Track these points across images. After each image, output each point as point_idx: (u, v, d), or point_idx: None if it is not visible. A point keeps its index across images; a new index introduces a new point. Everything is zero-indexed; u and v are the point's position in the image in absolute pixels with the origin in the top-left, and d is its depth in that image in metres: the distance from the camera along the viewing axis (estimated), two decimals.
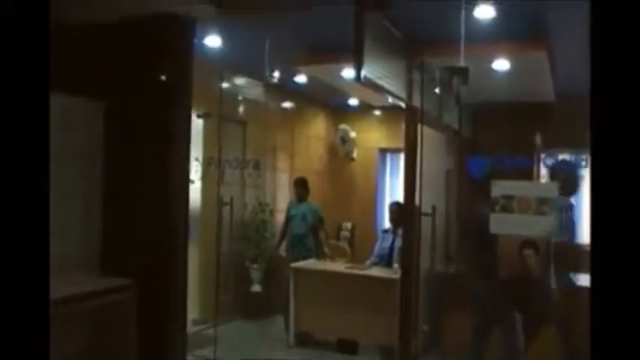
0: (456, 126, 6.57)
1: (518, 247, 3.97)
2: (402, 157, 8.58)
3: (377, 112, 8.38)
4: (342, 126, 8.39)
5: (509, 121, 7.03)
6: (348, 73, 6.00)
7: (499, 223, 3.92)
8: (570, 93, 6.56)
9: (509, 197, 3.90)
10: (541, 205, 3.85)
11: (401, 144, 8.33)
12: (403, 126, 8.23)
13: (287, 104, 7.60)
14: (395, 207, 6.26)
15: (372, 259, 6.23)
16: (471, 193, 5.42)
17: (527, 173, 6.00)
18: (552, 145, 7.00)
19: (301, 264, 5.94)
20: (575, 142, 6.53)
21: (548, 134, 6.95)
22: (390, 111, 8.00)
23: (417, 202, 5.33)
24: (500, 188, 3.95)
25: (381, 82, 4.67)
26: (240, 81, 6.61)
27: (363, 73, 4.25)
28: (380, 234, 6.49)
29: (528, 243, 3.96)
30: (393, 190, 8.52)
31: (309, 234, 6.38)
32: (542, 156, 6.77)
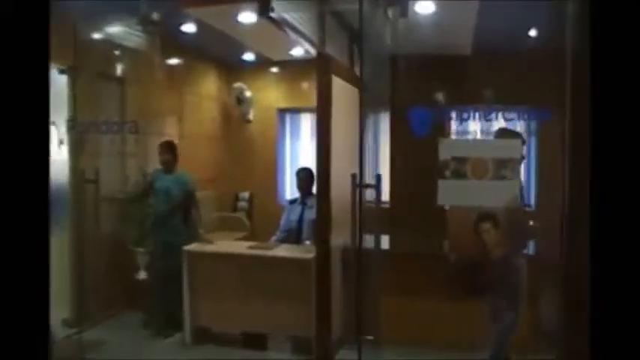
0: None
1: (473, 220, 3.05)
2: (302, 117, 7.61)
3: (274, 70, 7.22)
4: (237, 84, 7.15)
5: (420, 75, 6.13)
6: (246, 17, 4.82)
7: (449, 193, 2.97)
8: (486, 48, 5.82)
9: (461, 159, 2.95)
10: (500, 168, 2.93)
11: (301, 103, 7.32)
12: (303, 84, 7.25)
13: (174, 60, 6.26)
14: (303, 174, 5.19)
15: (279, 234, 5.16)
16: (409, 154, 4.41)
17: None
18: (461, 101, 6.19)
19: (195, 246, 4.74)
20: (484, 99, 5.82)
21: (460, 90, 6.15)
22: (289, 67, 6.91)
23: (337, 167, 4.33)
24: (449, 148, 2.98)
25: (291, 18, 3.55)
26: (114, 29, 5.19)
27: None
28: (286, 205, 5.38)
29: (485, 215, 3.05)
30: (294, 154, 7.45)
31: (176, 213, 4.88)
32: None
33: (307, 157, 7.26)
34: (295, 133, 7.50)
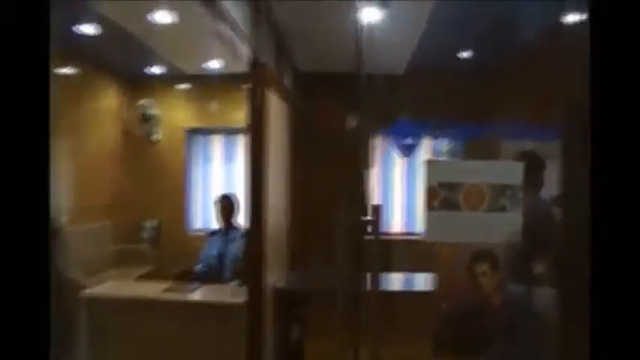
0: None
1: (467, 261, 2.41)
2: (215, 139, 6.78)
3: (184, 86, 6.34)
4: (143, 101, 6.18)
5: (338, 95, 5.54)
6: (162, 16, 4.00)
7: (438, 227, 2.32)
8: (417, 68, 5.39)
9: (453, 186, 2.32)
10: (498, 196, 2.33)
11: (213, 123, 6.51)
12: (213, 103, 6.44)
13: (67, 70, 5.24)
14: (225, 202, 4.39)
15: (200, 267, 4.29)
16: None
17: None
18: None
19: (98, 290, 3.77)
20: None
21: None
22: (201, 83, 6.08)
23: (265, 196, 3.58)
24: (437, 172, 2.34)
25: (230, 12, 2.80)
26: None
27: None
28: (207, 237, 4.52)
29: (481, 255, 2.43)
30: (206, 179, 6.56)
31: None
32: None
33: (219, 183, 6.45)
34: (207, 157, 6.63)
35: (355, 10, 3.86)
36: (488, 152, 4.03)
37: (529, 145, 3.01)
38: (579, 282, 2.20)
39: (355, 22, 3.96)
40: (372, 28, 3.98)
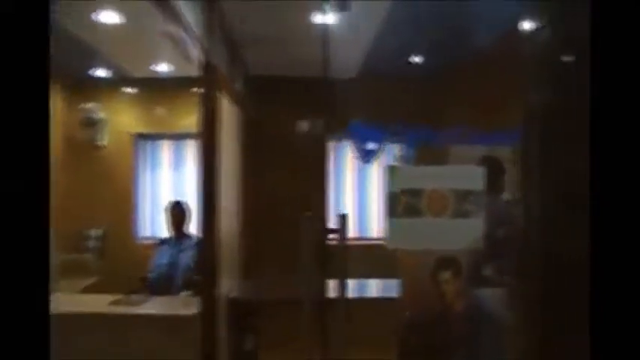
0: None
1: (430, 269, 2.37)
2: (163, 144, 6.57)
3: (131, 90, 6.12)
4: (88, 105, 5.91)
5: (288, 100, 5.46)
6: (108, 16, 3.83)
7: (401, 234, 2.27)
8: (370, 71, 5.38)
9: (416, 192, 2.27)
10: (461, 201, 2.29)
11: (162, 129, 6.32)
12: (161, 108, 6.26)
13: None
14: (177, 210, 4.23)
15: (152, 275, 4.11)
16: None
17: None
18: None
19: None
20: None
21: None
22: (149, 86, 5.89)
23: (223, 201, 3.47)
24: (400, 178, 2.28)
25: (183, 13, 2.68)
26: None
27: None
28: (156, 245, 4.35)
29: (445, 262, 2.39)
30: (155, 186, 6.35)
31: None
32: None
33: (168, 190, 6.26)
34: (156, 163, 6.41)
35: (309, 14, 3.81)
36: (440, 158, 4.04)
37: (483, 150, 3.02)
38: (536, 285, 2.20)
39: (310, 26, 3.92)
40: (326, 32, 3.94)
